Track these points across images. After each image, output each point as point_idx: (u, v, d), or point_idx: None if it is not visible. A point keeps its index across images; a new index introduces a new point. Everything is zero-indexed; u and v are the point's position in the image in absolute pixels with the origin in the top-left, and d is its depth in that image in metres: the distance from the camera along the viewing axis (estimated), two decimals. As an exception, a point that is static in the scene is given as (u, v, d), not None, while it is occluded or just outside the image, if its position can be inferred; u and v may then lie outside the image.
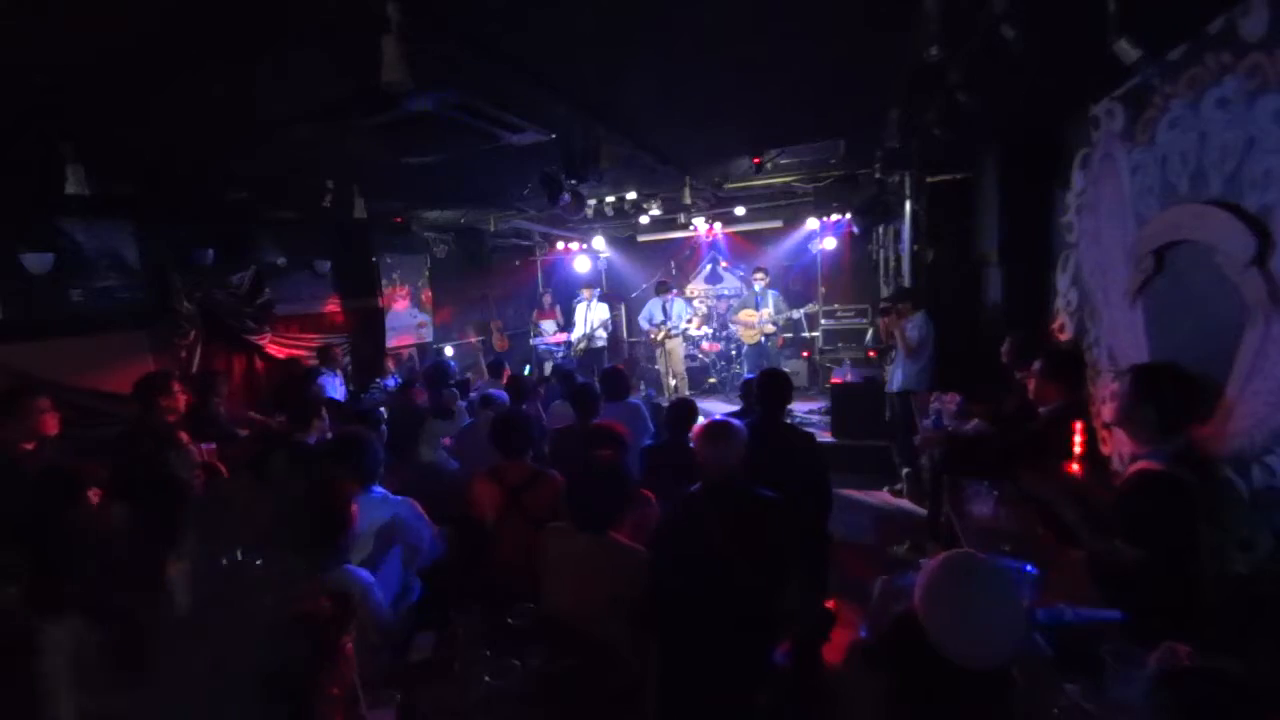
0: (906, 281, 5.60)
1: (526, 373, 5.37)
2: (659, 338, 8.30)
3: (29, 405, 3.02)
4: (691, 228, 8.36)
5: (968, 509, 2.76)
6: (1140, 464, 2.04)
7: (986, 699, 1.30)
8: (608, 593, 2.13)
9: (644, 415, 4.20)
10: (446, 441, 4.22)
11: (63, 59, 2.36)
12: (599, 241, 9.13)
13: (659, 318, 8.33)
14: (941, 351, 5.00)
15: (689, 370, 8.80)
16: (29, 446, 2.99)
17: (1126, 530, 1.96)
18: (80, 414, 4.16)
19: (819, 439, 3.83)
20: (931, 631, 1.29)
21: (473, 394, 5.13)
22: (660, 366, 8.52)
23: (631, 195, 6.38)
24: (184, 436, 3.29)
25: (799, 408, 7.53)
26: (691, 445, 2.35)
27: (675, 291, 8.76)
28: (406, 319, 7.97)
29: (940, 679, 1.27)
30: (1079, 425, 2.73)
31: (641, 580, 2.15)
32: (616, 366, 4.59)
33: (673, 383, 8.39)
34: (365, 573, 2.11)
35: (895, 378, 5.29)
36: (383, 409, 4.40)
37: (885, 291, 7.44)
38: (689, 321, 8.45)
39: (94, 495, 2.37)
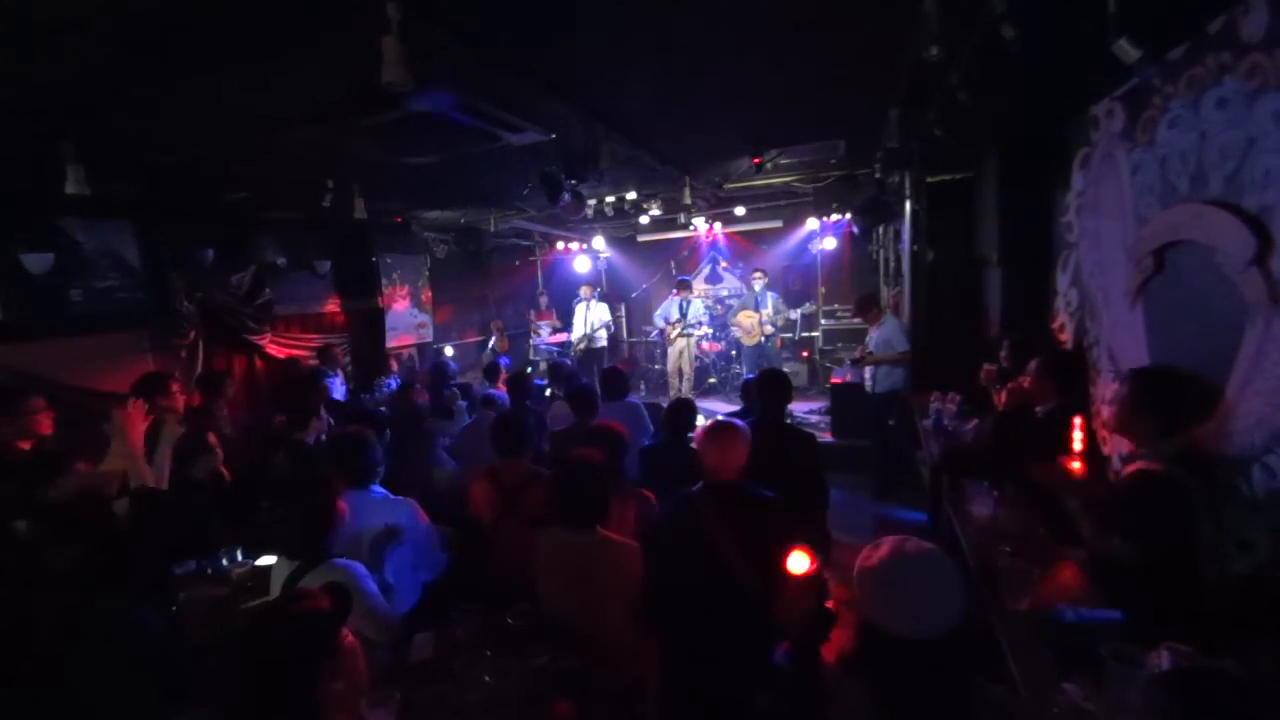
0: (906, 282, 5.60)
1: (547, 394, 5.34)
2: (673, 336, 8.30)
3: (23, 405, 3.02)
4: (691, 228, 8.36)
5: (968, 509, 2.76)
6: (1138, 463, 2.04)
7: (947, 675, 1.30)
8: (603, 589, 2.13)
9: (643, 415, 4.19)
10: (446, 441, 4.22)
11: (63, 59, 2.36)
12: (599, 241, 9.13)
13: (675, 315, 8.33)
14: (942, 351, 5.00)
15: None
16: (25, 446, 3.00)
17: (1124, 529, 1.96)
18: (80, 414, 4.15)
19: (819, 439, 3.83)
20: (870, 614, 1.30)
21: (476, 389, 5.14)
22: (669, 366, 8.52)
23: (631, 195, 6.38)
24: (213, 439, 3.27)
25: (799, 408, 7.53)
26: (693, 445, 2.34)
27: (693, 292, 8.79)
28: (406, 319, 7.98)
29: (904, 665, 1.27)
30: (1078, 423, 2.73)
31: (636, 573, 2.15)
32: (616, 366, 4.59)
33: (676, 382, 8.39)
34: (358, 565, 2.11)
35: (875, 380, 5.56)
36: (383, 409, 4.40)
37: (886, 292, 7.43)
38: (704, 322, 8.47)
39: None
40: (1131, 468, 2.08)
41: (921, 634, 1.24)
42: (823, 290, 9.06)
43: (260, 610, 1.47)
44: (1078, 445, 2.65)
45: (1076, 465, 2.63)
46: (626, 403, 4.26)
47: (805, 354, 9.09)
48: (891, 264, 7.27)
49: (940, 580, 1.29)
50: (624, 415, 3.92)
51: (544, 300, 9.64)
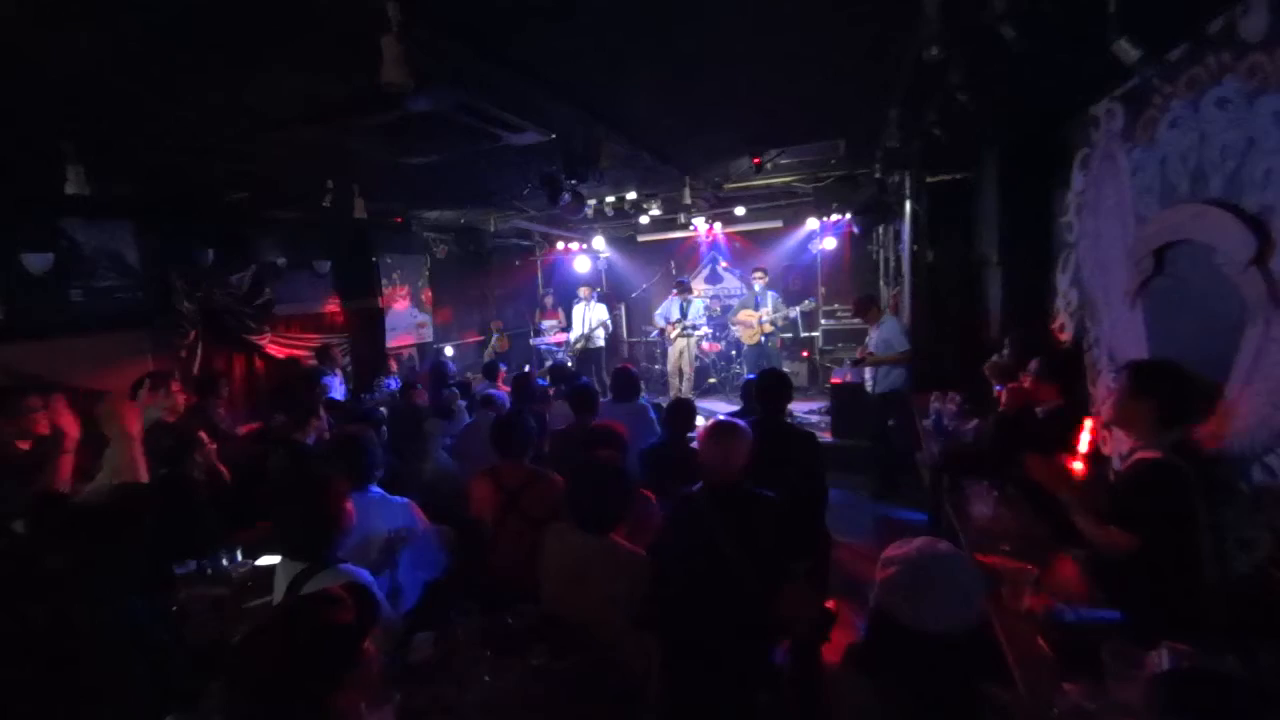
0: (907, 281, 5.60)
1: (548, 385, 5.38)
2: (673, 335, 8.31)
3: (21, 404, 3.02)
4: (691, 228, 8.36)
5: (968, 509, 2.76)
6: (1139, 453, 2.04)
7: (962, 677, 1.30)
8: (607, 594, 2.13)
9: (650, 417, 4.19)
10: (447, 441, 4.22)
11: (63, 59, 2.36)
12: (599, 241, 9.13)
13: (675, 315, 8.33)
14: (942, 351, 5.00)
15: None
16: (24, 446, 3.00)
17: (1124, 517, 1.96)
18: (80, 414, 4.16)
19: (819, 439, 3.83)
20: (890, 602, 1.30)
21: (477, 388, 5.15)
22: (669, 366, 8.52)
23: (631, 195, 6.38)
24: (204, 436, 3.26)
25: (799, 408, 7.53)
26: (694, 445, 2.34)
27: (693, 292, 8.79)
28: (406, 319, 7.98)
29: (914, 661, 1.27)
30: (1089, 425, 2.72)
31: (642, 583, 2.14)
32: (625, 366, 4.58)
33: (676, 382, 8.39)
34: (363, 571, 2.10)
35: (875, 380, 5.61)
36: (382, 409, 4.40)
37: (886, 292, 7.43)
38: (702, 323, 8.47)
39: None
40: (1131, 459, 2.08)
41: (935, 628, 1.25)
42: (823, 290, 9.06)
43: (280, 615, 1.42)
44: (1084, 446, 2.63)
45: (1079, 465, 2.61)
46: (636, 404, 4.24)
47: (805, 354, 9.09)
48: (891, 264, 7.27)
49: (964, 582, 1.29)
50: (632, 416, 3.91)
51: (549, 299, 9.62)
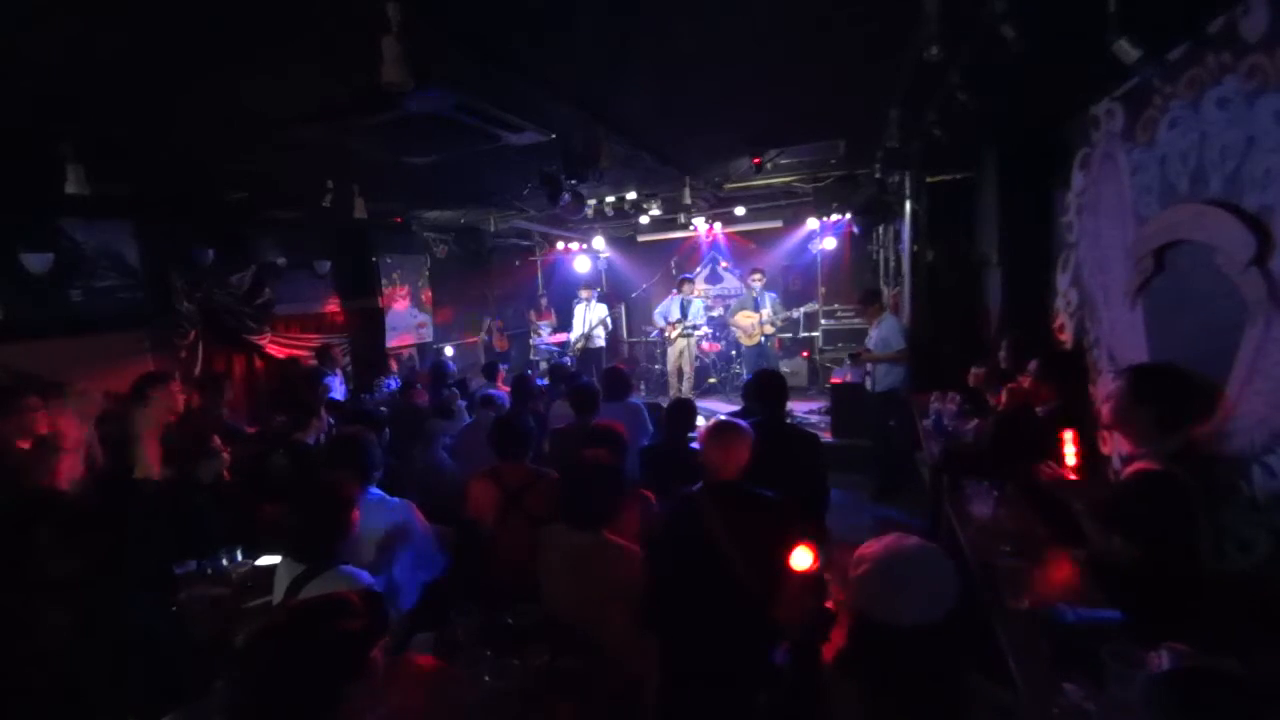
0: (907, 281, 5.61)
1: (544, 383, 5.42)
2: (673, 335, 8.30)
3: (20, 403, 3.02)
4: (691, 228, 8.36)
5: (968, 509, 2.76)
6: (1138, 464, 2.04)
7: (946, 668, 1.30)
8: (605, 592, 2.13)
9: (644, 415, 4.20)
10: (447, 441, 4.22)
11: (64, 60, 2.36)
12: (599, 241, 9.14)
13: (675, 315, 8.32)
14: (941, 351, 5.00)
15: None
16: (24, 445, 3.00)
17: (1125, 529, 1.96)
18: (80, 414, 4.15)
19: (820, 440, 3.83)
20: (860, 600, 1.30)
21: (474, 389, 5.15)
22: (669, 366, 8.52)
23: (631, 195, 6.38)
24: (217, 441, 3.25)
25: (799, 408, 7.53)
26: (694, 445, 2.34)
27: (695, 289, 8.78)
28: (406, 319, 7.98)
29: (895, 656, 1.27)
30: (1069, 437, 2.69)
31: (638, 580, 2.15)
32: (617, 366, 4.59)
33: (676, 382, 8.39)
34: (364, 574, 2.10)
35: (875, 380, 5.63)
36: (383, 409, 4.40)
37: (886, 292, 7.44)
38: (704, 323, 8.46)
39: None
40: (1131, 468, 2.08)
41: (907, 619, 1.24)
42: (823, 290, 9.06)
43: (290, 618, 1.40)
44: (1071, 459, 2.53)
45: (1073, 476, 2.55)
46: (628, 403, 4.26)
47: (805, 354, 9.09)
48: (891, 264, 7.27)
49: (931, 570, 1.29)
50: (624, 416, 3.92)
51: (544, 301, 9.68)
